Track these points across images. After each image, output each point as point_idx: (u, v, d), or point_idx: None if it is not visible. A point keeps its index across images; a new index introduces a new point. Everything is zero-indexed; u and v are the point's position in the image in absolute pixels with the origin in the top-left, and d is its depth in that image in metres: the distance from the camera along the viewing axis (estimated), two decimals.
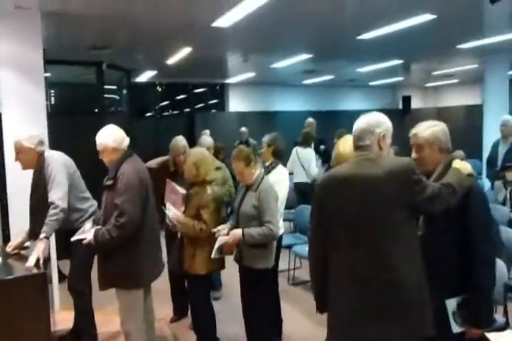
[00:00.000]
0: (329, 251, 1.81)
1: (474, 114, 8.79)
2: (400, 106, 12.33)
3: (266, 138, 3.30)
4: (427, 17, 4.81)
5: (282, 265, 4.19)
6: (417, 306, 1.70)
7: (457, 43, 6.53)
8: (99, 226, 2.50)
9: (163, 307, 3.62)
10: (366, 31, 5.42)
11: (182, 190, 3.01)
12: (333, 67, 8.55)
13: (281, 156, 3.29)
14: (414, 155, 1.99)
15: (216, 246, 2.66)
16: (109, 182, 2.50)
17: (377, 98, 12.13)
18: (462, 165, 1.89)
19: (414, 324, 1.69)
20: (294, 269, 4.50)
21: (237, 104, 10.70)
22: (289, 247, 4.36)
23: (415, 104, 12.63)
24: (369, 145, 1.79)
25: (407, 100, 12.27)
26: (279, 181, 3.13)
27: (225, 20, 4.55)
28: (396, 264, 1.70)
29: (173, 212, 2.88)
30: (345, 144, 2.24)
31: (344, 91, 11.74)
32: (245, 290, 2.81)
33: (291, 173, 5.83)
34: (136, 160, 2.63)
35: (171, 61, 6.93)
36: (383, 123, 1.83)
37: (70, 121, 5.95)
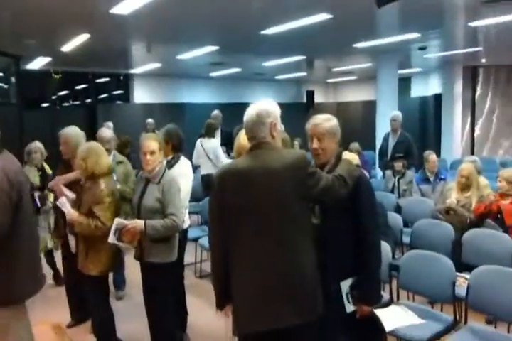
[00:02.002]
0: (231, 243, 1.83)
1: (370, 109, 9.49)
2: (305, 100, 12.89)
3: (161, 135, 3.14)
4: (323, 16, 5.07)
5: (189, 258, 4.18)
6: (315, 289, 1.81)
7: (353, 42, 6.97)
8: None
9: (60, 311, 3.40)
10: (269, 27, 5.55)
11: (70, 194, 2.84)
12: (239, 60, 8.63)
13: (181, 149, 3.22)
14: (315, 145, 2.04)
15: (113, 228, 2.52)
16: None
17: (283, 92, 12.53)
18: (351, 157, 2.04)
19: (313, 306, 1.79)
20: (201, 262, 4.50)
21: (142, 95, 10.32)
22: (195, 240, 4.34)
23: (318, 98, 13.29)
24: (263, 137, 1.84)
25: (310, 94, 12.85)
26: (183, 174, 3.08)
27: (125, 7, 4.35)
28: (297, 251, 1.78)
29: (68, 208, 2.71)
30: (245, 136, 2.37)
31: (252, 85, 11.93)
32: (148, 287, 2.73)
33: (197, 166, 5.80)
34: (7, 158, 2.24)
35: (67, 48, 6.44)
36: (272, 112, 1.87)
37: None
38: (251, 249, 1.79)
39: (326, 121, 2.04)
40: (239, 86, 11.63)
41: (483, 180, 4.37)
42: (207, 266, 4.53)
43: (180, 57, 7.54)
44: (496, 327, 2.79)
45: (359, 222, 1.98)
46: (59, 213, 3.20)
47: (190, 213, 5.88)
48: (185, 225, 3.17)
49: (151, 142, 2.65)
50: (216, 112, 6.58)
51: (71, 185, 2.99)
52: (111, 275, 3.13)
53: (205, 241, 4.25)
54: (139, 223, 2.53)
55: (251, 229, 1.79)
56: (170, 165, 3.12)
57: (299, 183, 1.76)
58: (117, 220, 2.55)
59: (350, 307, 1.98)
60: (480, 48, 7.99)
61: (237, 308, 1.85)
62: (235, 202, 1.80)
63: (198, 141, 5.73)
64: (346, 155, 2.05)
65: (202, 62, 8.37)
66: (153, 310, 2.73)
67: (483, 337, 2.36)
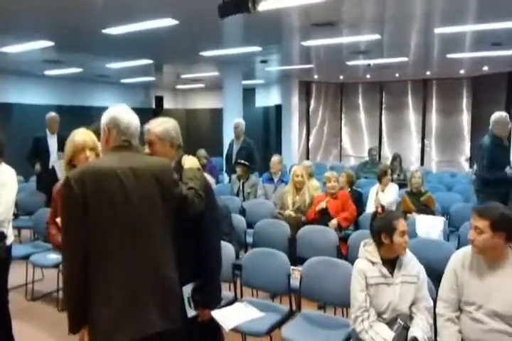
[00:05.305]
0: (91, 252, 1.64)
1: (217, 117, 9.82)
2: (153, 106, 12.65)
3: None
4: (170, 21, 5.05)
5: (17, 279, 3.71)
6: (178, 296, 1.79)
7: (200, 50, 7.11)
8: None
9: None
10: (112, 26, 5.28)
11: None
12: (79, 60, 8.00)
13: (2, 154, 2.81)
14: (146, 150, 2.01)
15: None
16: None
17: (130, 96, 12.05)
18: (192, 161, 2.04)
19: (178, 313, 1.76)
20: (33, 282, 3.98)
21: None
22: (26, 258, 3.83)
23: (167, 104, 13.19)
24: (135, 145, 1.81)
25: (159, 100, 12.69)
26: (5, 183, 2.71)
27: None
28: (160, 259, 1.73)
29: None
30: (85, 136, 2.31)
31: (95, 87, 11.19)
32: None
33: None
34: None
35: None
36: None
37: None
38: (113, 256, 1.66)
39: (157, 126, 2.02)
40: (80, 88, 10.77)
41: (315, 183, 4.90)
42: (42, 286, 4.05)
43: (5, 49, 6.61)
44: (325, 311, 3.12)
45: (200, 228, 1.99)
46: None
47: (20, 228, 5.20)
48: (9, 241, 2.77)
49: None
50: (53, 114, 5.98)
51: None
52: None
53: (40, 258, 3.79)
54: None
55: (113, 239, 1.66)
56: None
57: (165, 189, 1.75)
58: None
59: (191, 312, 1.98)
60: (312, 65, 9.00)
61: (98, 323, 1.64)
62: (96, 208, 1.64)
63: None
64: (186, 160, 2.04)
65: (34, 59, 7.49)
66: None
67: (314, 321, 2.63)
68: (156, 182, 1.73)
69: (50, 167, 5.58)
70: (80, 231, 1.64)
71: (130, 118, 1.81)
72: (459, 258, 2.15)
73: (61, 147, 5.61)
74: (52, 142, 5.79)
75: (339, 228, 3.88)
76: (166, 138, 2.01)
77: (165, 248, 1.76)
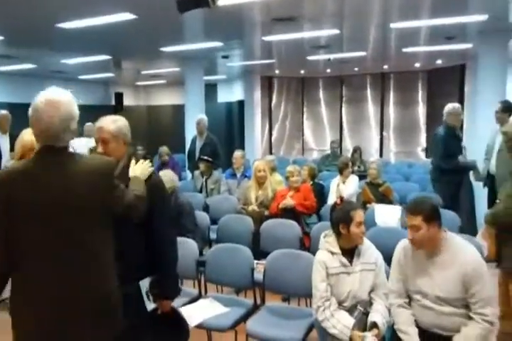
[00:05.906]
0: (14, 261, 1.56)
1: (179, 113, 9.68)
2: (113, 103, 12.34)
3: None
4: (127, 16, 4.92)
5: None
6: (119, 304, 1.71)
7: (160, 46, 6.98)
8: None
9: None
10: (66, 20, 5.09)
11: None
12: (32, 55, 7.69)
13: None
14: (100, 149, 1.96)
15: None
16: None
17: (88, 93, 11.64)
18: (142, 169, 1.98)
19: (114, 322, 1.68)
20: None
21: None
22: None
23: (128, 101, 12.89)
24: (66, 141, 1.62)
25: (119, 97, 12.37)
26: None
27: None
28: (98, 265, 1.64)
29: None
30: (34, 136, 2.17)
31: (50, 83, 10.23)
32: None
33: None
34: None
35: None
36: (76, 113, 1.66)
37: None
38: (42, 267, 1.56)
39: (110, 124, 1.98)
40: (34, 84, 10.30)
41: (277, 177, 4.94)
42: None
43: None
44: (289, 303, 3.17)
45: (153, 222, 1.95)
46: None
47: None
48: None
49: None
50: (4, 113, 5.72)
51: None
52: None
53: None
54: None
55: (42, 246, 1.56)
56: None
57: (104, 190, 1.63)
58: None
59: (150, 305, 1.97)
60: (274, 61, 9.03)
61: (23, 336, 1.58)
62: (22, 214, 1.55)
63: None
64: (137, 167, 1.98)
65: None
66: None
67: (278, 313, 2.67)
68: (94, 182, 1.61)
69: (2, 168, 5.36)
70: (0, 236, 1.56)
71: (51, 112, 1.58)
72: (401, 250, 2.25)
73: (14, 147, 5.40)
74: (4, 142, 5.55)
75: (297, 215, 3.91)
76: (120, 135, 1.98)
77: (99, 254, 1.65)
